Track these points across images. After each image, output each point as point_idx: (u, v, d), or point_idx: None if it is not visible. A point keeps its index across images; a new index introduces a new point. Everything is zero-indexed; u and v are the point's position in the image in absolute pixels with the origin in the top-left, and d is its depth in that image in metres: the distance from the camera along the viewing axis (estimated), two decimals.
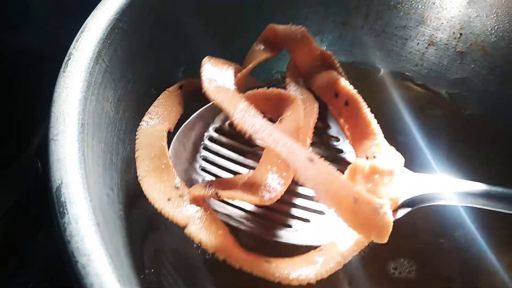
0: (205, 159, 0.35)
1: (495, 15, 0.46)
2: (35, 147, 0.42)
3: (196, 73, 0.41)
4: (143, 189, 0.30)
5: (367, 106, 0.35)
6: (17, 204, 0.38)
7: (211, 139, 0.36)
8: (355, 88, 0.36)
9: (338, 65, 0.39)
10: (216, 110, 0.36)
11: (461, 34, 0.48)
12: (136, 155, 0.32)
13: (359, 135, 0.35)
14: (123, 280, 0.22)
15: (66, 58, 0.29)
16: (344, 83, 0.36)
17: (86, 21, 0.31)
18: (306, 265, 0.28)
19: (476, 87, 0.48)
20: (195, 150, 0.36)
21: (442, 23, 0.48)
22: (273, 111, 0.35)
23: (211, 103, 0.35)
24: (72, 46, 0.30)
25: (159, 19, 0.36)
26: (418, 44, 0.50)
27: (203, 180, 0.34)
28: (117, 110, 0.32)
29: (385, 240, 0.26)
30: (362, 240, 0.29)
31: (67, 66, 0.29)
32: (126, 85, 0.34)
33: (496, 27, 0.46)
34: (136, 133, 0.34)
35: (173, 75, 0.39)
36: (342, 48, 0.51)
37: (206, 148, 0.36)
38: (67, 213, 0.23)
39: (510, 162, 0.45)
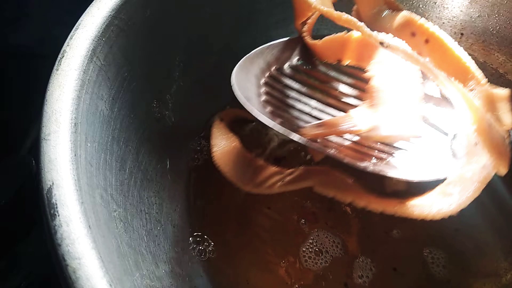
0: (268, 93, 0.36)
1: (497, 15, 0.45)
2: (29, 147, 0.42)
3: (193, 73, 0.41)
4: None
5: (453, 40, 0.35)
6: (10, 203, 0.37)
7: (273, 76, 0.37)
8: None
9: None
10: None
11: (462, 34, 0.47)
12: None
13: (447, 71, 0.34)
14: (114, 283, 0.22)
15: (60, 55, 0.29)
16: (421, 21, 0.35)
17: (81, 18, 0.31)
18: (443, 198, 0.28)
19: None
20: (257, 84, 0.36)
21: (443, 22, 0.48)
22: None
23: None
24: (66, 44, 0.29)
25: (155, 17, 0.36)
26: None
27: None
28: (112, 108, 0.32)
29: (505, 171, 0.28)
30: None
31: (60, 64, 0.28)
32: (121, 83, 0.33)
33: (498, 27, 0.45)
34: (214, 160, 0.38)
35: (170, 73, 0.39)
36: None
37: (267, 84, 0.36)
38: (58, 215, 0.22)
39: None
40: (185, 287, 0.33)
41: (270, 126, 0.33)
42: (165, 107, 0.39)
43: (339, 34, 0.36)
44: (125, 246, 0.28)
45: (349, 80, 0.38)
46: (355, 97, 0.37)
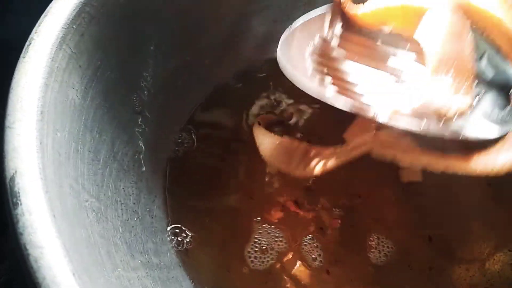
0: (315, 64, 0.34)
1: None
2: None
3: (170, 63, 0.41)
4: None
5: None
6: None
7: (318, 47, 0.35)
8: None
9: None
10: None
11: None
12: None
13: None
14: (79, 273, 0.21)
15: (27, 43, 0.28)
16: None
17: (50, 5, 0.30)
18: (506, 152, 0.28)
19: None
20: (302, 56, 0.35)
21: None
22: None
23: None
24: (33, 31, 0.28)
25: (129, 4, 0.35)
26: None
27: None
28: (84, 97, 0.31)
29: None
30: None
31: (27, 52, 0.27)
32: (94, 72, 0.32)
33: None
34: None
35: (146, 63, 0.38)
36: None
37: (313, 55, 0.35)
38: (21, 204, 0.22)
39: None
40: (162, 278, 0.33)
41: (320, 98, 0.32)
42: (142, 98, 0.38)
43: None
44: (96, 237, 0.27)
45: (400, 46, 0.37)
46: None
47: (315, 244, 0.38)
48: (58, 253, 0.21)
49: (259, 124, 0.43)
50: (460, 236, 0.39)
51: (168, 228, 0.38)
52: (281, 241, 0.38)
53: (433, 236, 0.39)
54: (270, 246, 0.38)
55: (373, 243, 0.38)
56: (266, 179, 0.42)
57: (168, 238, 0.37)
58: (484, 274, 0.38)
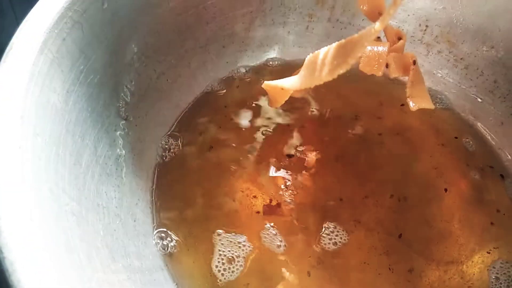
0: None
1: (460, 6, 0.46)
2: None
3: (155, 67, 0.41)
4: None
5: None
6: None
7: None
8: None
9: None
10: None
11: (427, 26, 0.48)
12: None
13: None
14: (56, 276, 0.21)
15: (8, 48, 0.28)
16: None
17: (32, 10, 0.30)
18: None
19: (441, 79, 0.48)
20: None
21: (409, 15, 0.48)
22: None
23: None
24: (14, 36, 0.29)
25: (112, 9, 0.35)
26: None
27: None
28: (66, 101, 0.31)
29: None
30: None
31: (7, 56, 0.28)
32: (77, 76, 0.33)
33: (462, 19, 0.46)
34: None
35: (130, 68, 0.38)
36: (310, 42, 0.51)
37: None
38: None
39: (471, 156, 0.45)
40: (144, 281, 0.33)
41: None
42: (126, 102, 0.38)
43: None
44: (76, 240, 0.27)
45: None
46: None
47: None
48: (34, 256, 0.21)
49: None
50: (439, 238, 0.40)
51: (154, 232, 0.38)
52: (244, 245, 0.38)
53: (412, 239, 0.39)
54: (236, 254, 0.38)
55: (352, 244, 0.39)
56: (251, 184, 0.42)
57: (154, 242, 0.37)
58: (462, 276, 0.38)
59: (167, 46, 0.42)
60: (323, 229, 0.40)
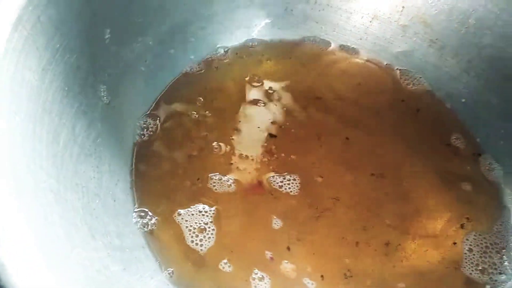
0: None
1: None
2: None
3: (133, 48, 0.41)
4: None
5: None
6: None
7: None
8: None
9: None
10: None
11: (403, 7, 0.48)
12: None
13: None
14: (35, 248, 0.22)
15: None
16: None
17: None
18: None
19: (417, 60, 0.49)
20: None
21: None
22: None
23: None
24: None
25: None
26: (362, 17, 0.50)
27: None
28: (42, 79, 0.31)
29: None
30: None
31: None
32: (53, 54, 0.32)
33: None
34: None
35: (104, 46, 0.38)
36: (289, 23, 0.51)
37: None
38: None
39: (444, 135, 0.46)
40: (124, 258, 0.33)
41: None
42: (104, 82, 0.38)
43: None
44: (54, 216, 0.27)
45: None
46: None
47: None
48: (11, 228, 0.21)
49: None
50: (414, 213, 0.41)
51: (135, 211, 0.38)
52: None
53: (389, 214, 0.40)
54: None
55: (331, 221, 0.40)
56: (231, 163, 0.43)
57: (134, 220, 0.38)
58: (436, 248, 0.39)
59: (144, 27, 0.42)
60: (302, 206, 0.40)
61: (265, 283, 0.37)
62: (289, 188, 0.41)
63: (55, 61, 0.32)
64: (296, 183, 0.41)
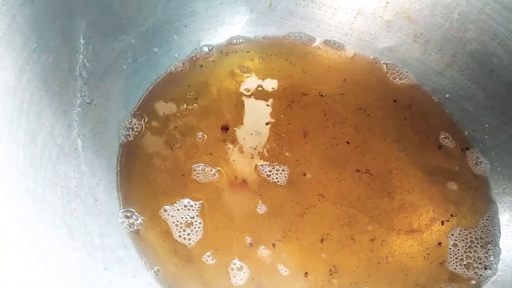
0: None
1: None
2: None
3: (107, 45, 0.41)
4: None
5: None
6: None
7: None
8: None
9: None
10: None
11: (387, 2, 0.48)
12: None
13: None
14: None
15: None
16: None
17: None
18: None
19: (402, 55, 0.49)
20: None
21: None
22: None
23: None
24: None
25: None
26: (347, 13, 0.50)
27: None
28: (18, 80, 0.31)
29: None
30: None
31: None
32: (30, 54, 0.32)
33: None
34: None
35: (84, 45, 0.38)
36: (273, 19, 0.51)
37: None
38: None
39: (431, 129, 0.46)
40: (106, 258, 0.33)
41: None
42: (84, 81, 0.38)
43: None
44: (30, 217, 0.27)
45: None
46: None
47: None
48: None
49: None
50: (399, 209, 0.41)
51: (120, 211, 0.38)
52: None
53: (374, 210, 0.40)
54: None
55: (316, 217, 0.40)
56: (216, 157, 0.42)
57: (120, 221, 0.37)
58: (421, 243, 0.39)
59: (125, 25, 0.41)
60: (287, 203, 0.40)
61: (244, 273, 0.37)
62: (277, 178, 0.41)
63: (32, 61, 0.32)
64: (284, 174, 0.42)
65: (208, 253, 0.37)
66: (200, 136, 0.43)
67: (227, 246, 0.38)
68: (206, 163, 0.42)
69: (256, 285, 0.37)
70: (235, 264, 0.37)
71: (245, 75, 0.48)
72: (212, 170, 0.41)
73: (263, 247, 0.38)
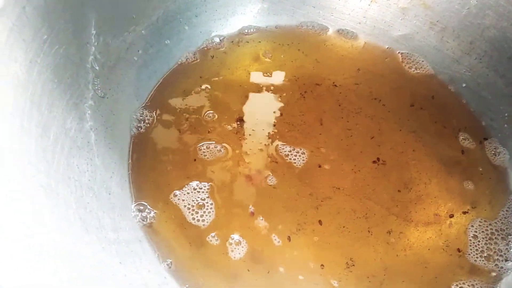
0: None
1: None
2: None
3: (118, 36, 0.40)
4: None
5: None
6: None
7: None
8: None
9: None
10: None
11: None
12: None
13: None
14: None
15: None
16: None
17: None
18: None
19: (418, 43, 0.48)
20: None
21: None
22: None
23: None
24: None
25: None
26: (360, 1, 0.49)
27: None
28: (29, 72, 0.30)
29: None
30: None
31: None
32: (40, 46, 0.31)
33: None
34: None
35: (95, 36, 0.37)
36: (285, 8, 0.50)
37: None
38: None
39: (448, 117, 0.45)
40: (120, 252, 0.33)
41: None
42: (95, 73, 0.37)
43: None
44: (45, 212, 0.27)
45: None
46: None
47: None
48: None
49: None
50: (417, 200, 0.40)
51: (133, 204, 0.38)
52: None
53: (391, 202, 0.40)
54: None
55: (331, 210, 0.39)
56: (228, 155, 0.42)
57: (132, 214, 0.37)
58: (440, 236, 0.39)
59: (136, 16, 0.41)
60: (303, 196, 0.39)
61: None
62: (293, 166, 0.41)
63: (43, 52, 0.32)
64: (299, 164, 0.41)
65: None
66: (211, 127, 0.43)
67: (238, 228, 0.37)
68: (219, 154, 0.41)
69: (271, 276, 0.36)
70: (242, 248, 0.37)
71: (257, 65, 0.47)
72: (226, 159, 0.41)
73: (278, 240, 0.37)
